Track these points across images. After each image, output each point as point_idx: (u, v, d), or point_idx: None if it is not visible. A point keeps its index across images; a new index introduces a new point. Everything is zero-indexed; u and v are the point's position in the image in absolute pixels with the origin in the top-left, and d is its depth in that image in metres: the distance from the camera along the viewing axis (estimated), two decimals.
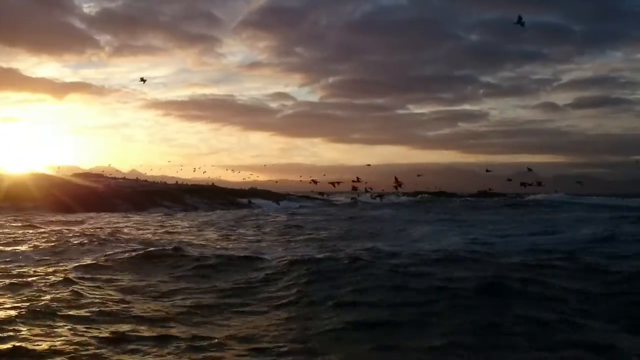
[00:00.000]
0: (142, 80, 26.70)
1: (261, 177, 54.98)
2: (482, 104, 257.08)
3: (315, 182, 31.35)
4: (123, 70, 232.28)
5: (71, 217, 27.62)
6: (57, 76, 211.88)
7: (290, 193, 58.83)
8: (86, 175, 53.76)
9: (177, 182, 56.71)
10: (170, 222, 26.34)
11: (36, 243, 14.98)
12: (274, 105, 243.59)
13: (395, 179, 25.98)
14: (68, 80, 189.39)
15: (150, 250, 13.22)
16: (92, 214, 31.23)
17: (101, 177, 52.74)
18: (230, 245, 16.18)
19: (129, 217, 30.02)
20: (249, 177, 54.69)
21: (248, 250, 14.59)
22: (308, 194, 54.24)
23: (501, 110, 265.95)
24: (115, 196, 40.58)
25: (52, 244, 14.84)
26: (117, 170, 62.65)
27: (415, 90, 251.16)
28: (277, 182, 55.21)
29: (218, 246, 15.90)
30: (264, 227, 23.53)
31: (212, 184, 54.32)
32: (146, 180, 52.12)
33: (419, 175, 39.75)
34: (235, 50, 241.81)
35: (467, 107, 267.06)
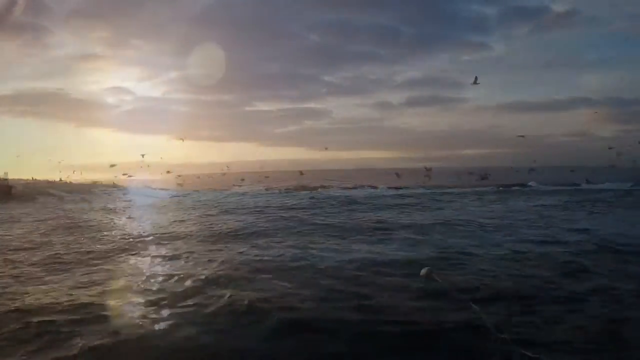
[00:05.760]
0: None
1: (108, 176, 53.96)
2: (326, 102, 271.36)
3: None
4: None
5: None
6: None
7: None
8: None
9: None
10: None
11: None
12: (112, 100, 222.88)
13: None
14: None
15: None
16: None
17: None
18: None
19: None
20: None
21: None
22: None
23: (343, 108, 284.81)
24: None
25: None
26: None
27: (261, 87, 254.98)
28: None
29: None
30: None
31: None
32: None
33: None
34: (67, 41, 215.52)
35: (311, 105, 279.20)
